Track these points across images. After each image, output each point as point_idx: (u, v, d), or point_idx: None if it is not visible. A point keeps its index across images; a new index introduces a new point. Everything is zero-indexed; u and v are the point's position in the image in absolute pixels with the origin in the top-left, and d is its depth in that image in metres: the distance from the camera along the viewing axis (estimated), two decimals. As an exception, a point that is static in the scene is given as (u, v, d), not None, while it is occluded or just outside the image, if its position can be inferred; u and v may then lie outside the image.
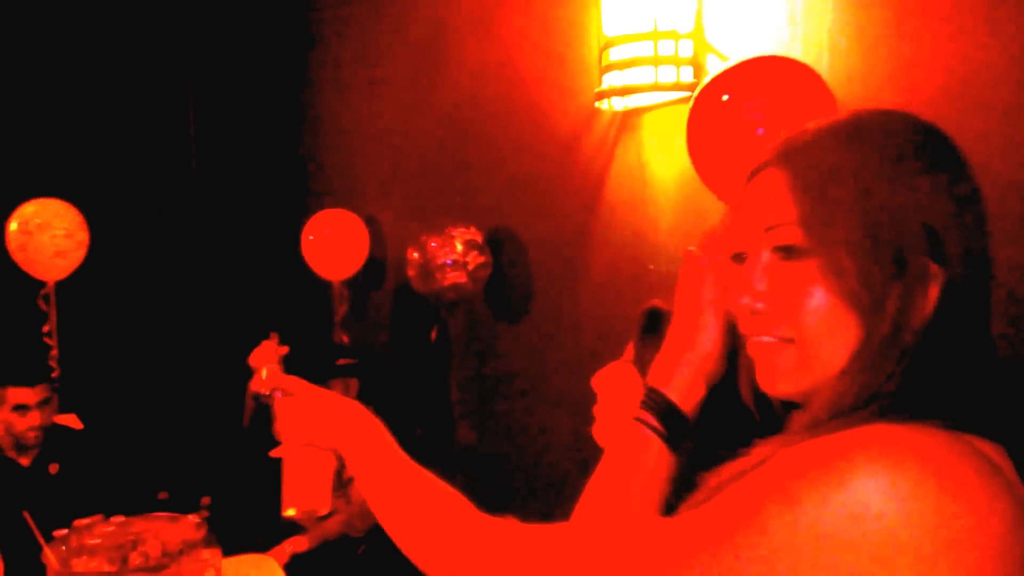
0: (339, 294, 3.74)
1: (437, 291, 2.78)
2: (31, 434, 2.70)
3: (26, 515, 2.02)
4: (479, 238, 2.80)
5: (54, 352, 3.35)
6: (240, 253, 4.41)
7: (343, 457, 1.01)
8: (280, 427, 1.11)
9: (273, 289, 4.30)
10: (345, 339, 3.70)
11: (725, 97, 1.65)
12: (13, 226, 3.34)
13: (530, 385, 2.77)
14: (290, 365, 3.14)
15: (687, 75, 2.16)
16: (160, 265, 4.25)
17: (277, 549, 2.63)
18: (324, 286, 3.78)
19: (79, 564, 1.94)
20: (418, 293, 2.96)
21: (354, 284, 3.75)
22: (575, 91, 2.54)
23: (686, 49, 2.16)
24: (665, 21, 2.13)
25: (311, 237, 3.65)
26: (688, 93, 2.16)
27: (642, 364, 1.22)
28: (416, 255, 2.83)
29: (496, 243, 2.84)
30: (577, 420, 2.43)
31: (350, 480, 2.94)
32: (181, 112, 4.38)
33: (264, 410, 3.05)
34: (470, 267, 2.73)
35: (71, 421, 3.03)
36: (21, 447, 2.73)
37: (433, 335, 3.01)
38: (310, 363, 3.16)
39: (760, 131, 1.57)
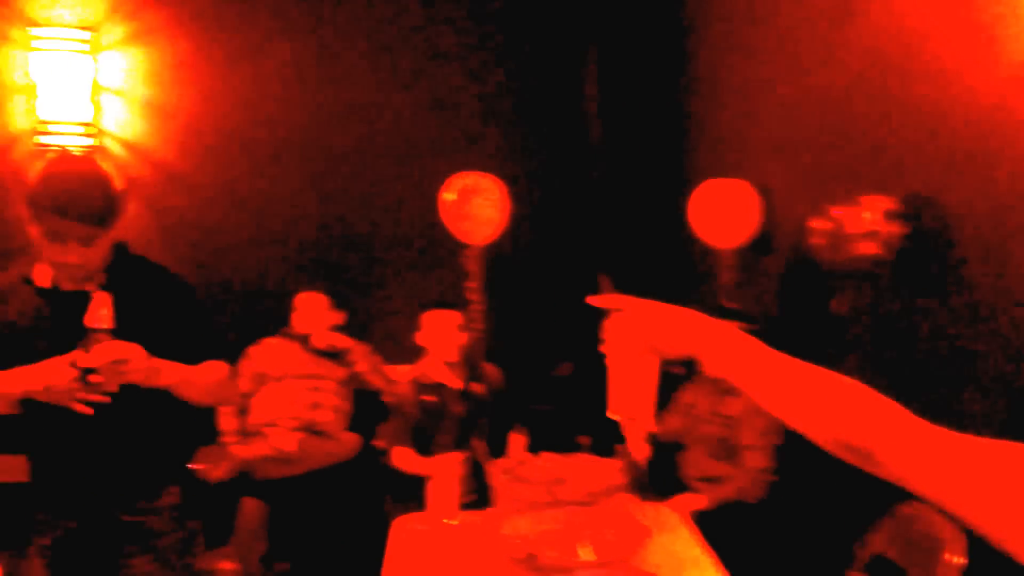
0: (726, 262, 3.78)
1: (845, 261, 2.68)
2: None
3: (476, 444, 2.39)
4: (893, 206, 2.64)
5: (478, 306, 3.86)
6: (628, 218, 4.60)
7: (701, 360, 1.06)
8: (609, 337, 1.19)
9: (658, 254, 4.45)
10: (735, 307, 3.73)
11: None
12: (449, 196, 3.88)
13: (949, 367, 2.57)
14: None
15: None
16: (564, 229, 4.60)
17: (675, 501, 2.76)
18: (710, 253, 3.83)
19: (518, 490, 2.23)
20: (817, 263, 2.88)
21: (742, 252, 3.75)
22: (1015, 38, 2.27)
23: None
24: None
25: (699, 204, 3.72)
26: None
27: None
28: (823, 224, 2.76)
29: (912, 211, 2.65)
30: (1011, 407, 2.22)
31: (743, 448, 3.00)
32: (579, 88, 4.67)
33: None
34: (883, 237, 2.59)
35: (491, 370, 3.45)
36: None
37: (836, 307, 2.92)
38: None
39: None
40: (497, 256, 4.03)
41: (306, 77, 4.38)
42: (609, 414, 1.25)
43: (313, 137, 4.41)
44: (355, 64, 4.42)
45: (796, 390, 0.95)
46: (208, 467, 3.63)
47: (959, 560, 1.88)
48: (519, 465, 2.30)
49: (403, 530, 2.27)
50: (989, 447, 0.78)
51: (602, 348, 1.20)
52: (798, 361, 0.98)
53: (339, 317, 3.97)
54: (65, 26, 4.06)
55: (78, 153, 3.85)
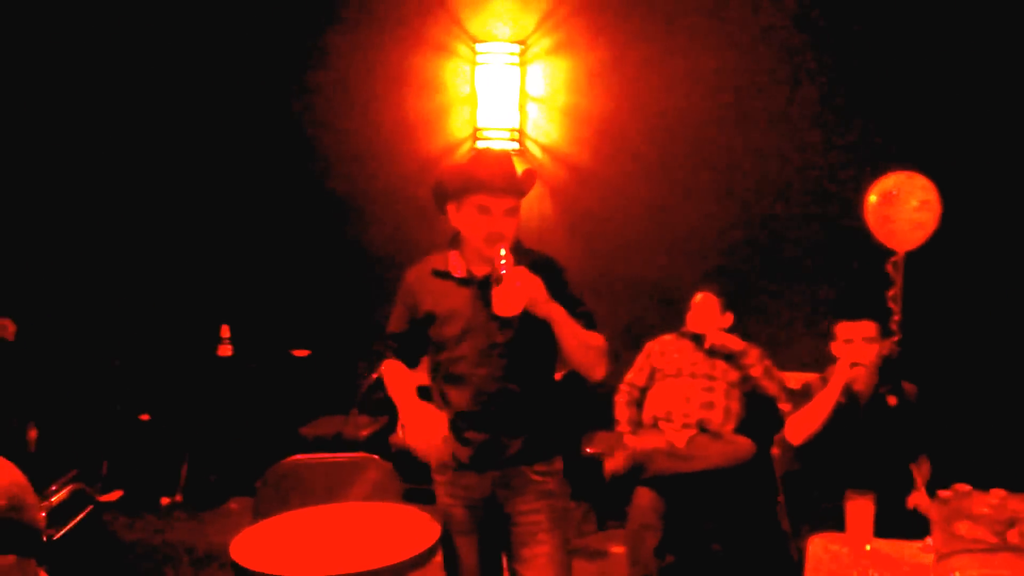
0: None
1: None
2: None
3: (913, 468, 2.22)
4: None
5: (896, 317, 3.56)
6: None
7: None
8: None
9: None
10: None
11: None
12: (872, 198, 3.60)
13: None
14: None
15: None
16: (1002, 239, 4.08)
17: None
18: None
19: (961, 527, 2.02)
20: None
21: None
22: None
23: None
24: None
25: None
26: None
27: None
28: None
29: None
30: None
31: None
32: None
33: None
34: None
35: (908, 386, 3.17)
36: None
37: None
38: None
39: None
40: (921, 264, 3.68)
41: (708, 84, 4.40)
42: None
43: (715, 141, 4.41)
44: (757, 69, 4.34)
45: None
46: (605, 454, 3.82)
47: None
48: (963, 498, 2.08)
49: (821, 549, 2.18)
50: None
51: None
52: None
53: (730, 319, 3.93)
54: (501, 40, 4.54)
55: (485, 148, 4.31)
